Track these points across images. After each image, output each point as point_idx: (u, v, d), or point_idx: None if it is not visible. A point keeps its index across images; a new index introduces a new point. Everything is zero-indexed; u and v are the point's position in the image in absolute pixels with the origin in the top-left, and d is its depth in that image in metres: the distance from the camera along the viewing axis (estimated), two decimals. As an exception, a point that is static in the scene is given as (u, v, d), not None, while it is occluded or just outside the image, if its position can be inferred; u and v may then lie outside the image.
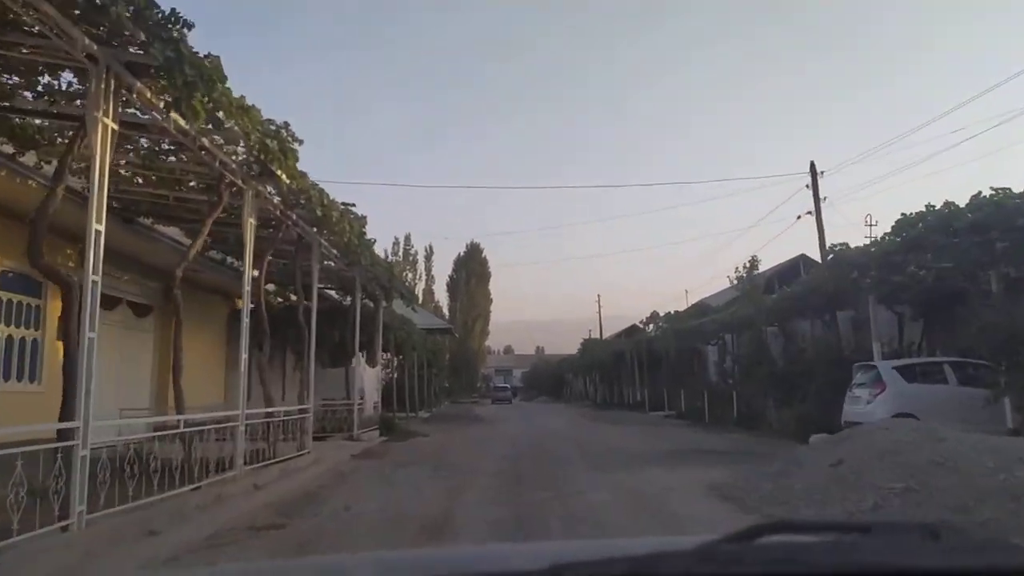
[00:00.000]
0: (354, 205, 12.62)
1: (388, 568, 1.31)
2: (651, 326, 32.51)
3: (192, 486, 8.27)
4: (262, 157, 8.99)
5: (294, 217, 11.68)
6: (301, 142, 9.69)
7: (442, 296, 79.44)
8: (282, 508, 8.36)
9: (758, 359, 18.99)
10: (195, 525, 7.23)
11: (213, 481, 8.95)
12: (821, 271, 17.34)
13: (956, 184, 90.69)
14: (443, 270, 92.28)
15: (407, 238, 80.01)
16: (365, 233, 13.51)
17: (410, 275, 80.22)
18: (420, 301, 73.17)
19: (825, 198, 21.20)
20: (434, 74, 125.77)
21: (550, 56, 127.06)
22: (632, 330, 59.16)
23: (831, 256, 15.48)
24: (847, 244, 16.00)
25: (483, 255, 77.90)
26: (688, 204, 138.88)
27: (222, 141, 8.89)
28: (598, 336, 58.76)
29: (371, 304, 21.71)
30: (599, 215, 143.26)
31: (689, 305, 35.44)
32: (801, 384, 17.28)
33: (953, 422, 9.82)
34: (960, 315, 17.62)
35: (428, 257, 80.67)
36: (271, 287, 19.55)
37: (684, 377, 29.80)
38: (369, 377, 19.32)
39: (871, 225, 21.90)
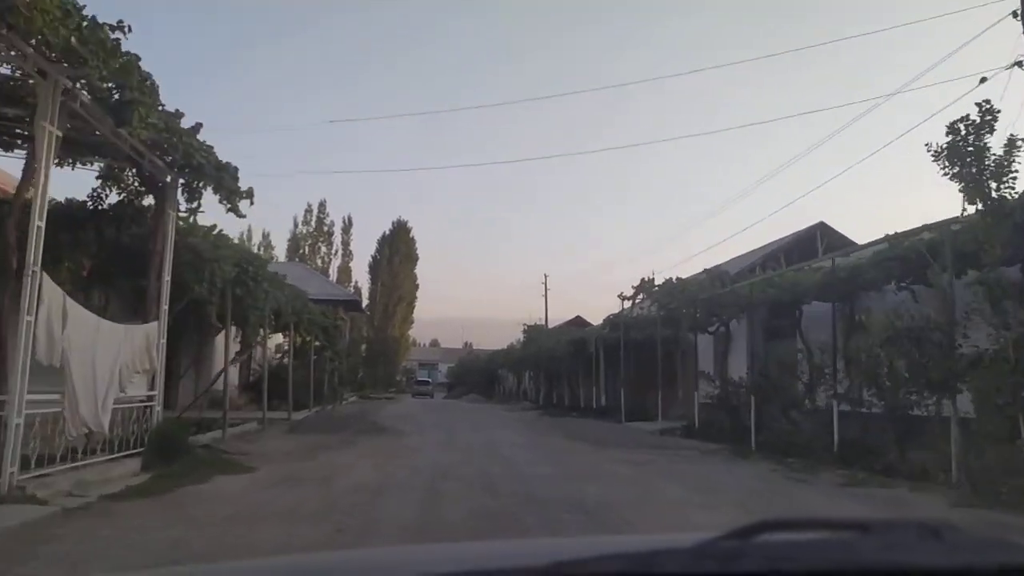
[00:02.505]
0: None
1: (386, 564, 1.30)
2: (639, 298, 22.38)
3: None
4: None
5: None
6: None
7: (363, 279, 67.79)
8: None
9: (946, 339, 9.13)
10: None
11: None
12: None
13: None
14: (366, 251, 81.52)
15: (321, 205, 67.98)
16: None
17: (324, 248, 68.32)
18: (334, 278, 62.02)
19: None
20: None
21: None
22: (578, 321, 49.77)
23: None
24: None
25: (411, 235, 66.81)
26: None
27: None
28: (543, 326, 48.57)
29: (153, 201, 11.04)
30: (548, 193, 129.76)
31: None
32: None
33: None
34: None
35: (346, 229, 68.83)
36: None
37: (686, 375, 20.10)
38: (110, 345, 8.58)
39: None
